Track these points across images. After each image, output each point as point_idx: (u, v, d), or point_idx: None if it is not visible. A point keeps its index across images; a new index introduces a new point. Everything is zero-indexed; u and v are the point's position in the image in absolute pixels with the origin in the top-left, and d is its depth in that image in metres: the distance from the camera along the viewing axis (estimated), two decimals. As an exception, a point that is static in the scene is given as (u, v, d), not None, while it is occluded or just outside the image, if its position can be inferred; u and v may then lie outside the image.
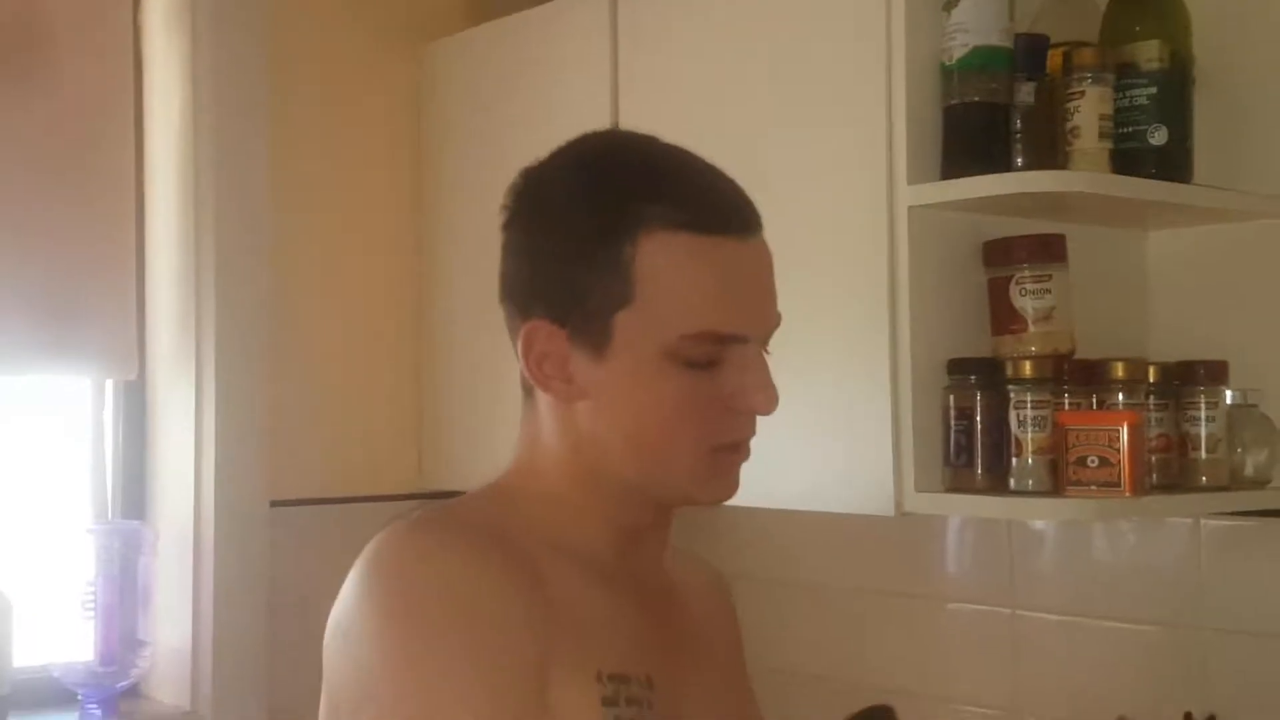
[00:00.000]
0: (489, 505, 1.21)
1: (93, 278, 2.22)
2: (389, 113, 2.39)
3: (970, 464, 1.61)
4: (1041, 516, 1.85)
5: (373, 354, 2.37)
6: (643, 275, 1.13)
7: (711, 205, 1.17)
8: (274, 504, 2.23)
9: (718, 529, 2.07)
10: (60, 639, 2.19)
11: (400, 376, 2.38)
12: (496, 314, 2.18)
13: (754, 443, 1.78)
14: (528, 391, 1.23)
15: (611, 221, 1.14)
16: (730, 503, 1.89)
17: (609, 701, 1.10)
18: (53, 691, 2.16)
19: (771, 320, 1.19)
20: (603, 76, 2.03)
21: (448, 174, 2.35)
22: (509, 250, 1.23)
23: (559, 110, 2.11)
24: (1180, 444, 1.66)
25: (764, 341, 1.18)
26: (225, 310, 2.20)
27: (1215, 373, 1.66)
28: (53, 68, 2.18)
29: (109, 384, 2.30)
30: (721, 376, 1.15)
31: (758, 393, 1.15)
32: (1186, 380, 1.66)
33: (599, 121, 2.01)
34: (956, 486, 1.62)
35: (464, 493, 1.23)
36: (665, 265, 1.14)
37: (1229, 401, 1.67)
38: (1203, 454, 1.65)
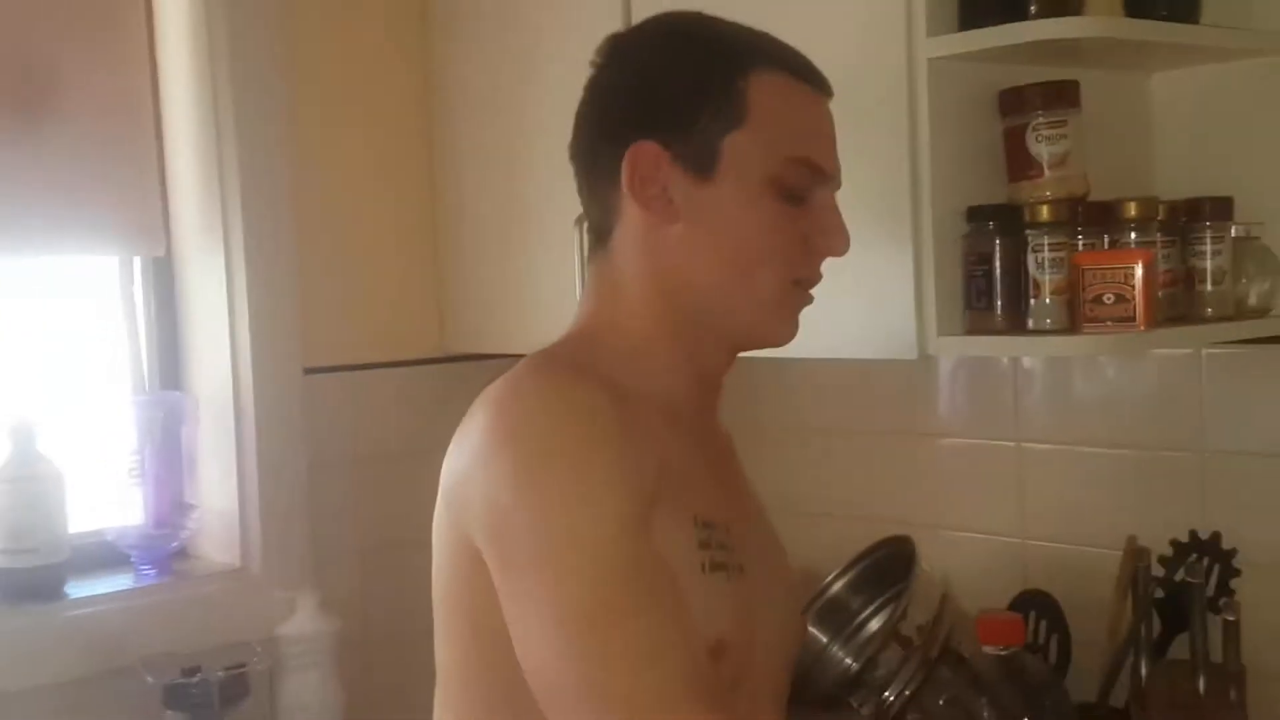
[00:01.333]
0: (591, 350, 1.23)
1: (113, 156, 2.18)
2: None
3: (990, 307, 1.61)
4: (1061, 353, 1.86)
5: (393, 225, 2.35)
6: (756, 102, 1.18)
7: (806, 62, 1.24)
8: (307, 371, 2.23)
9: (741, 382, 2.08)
10: (111, 506, 2.19)
11: (420, 246, 2.36)
12: (507, 186, 2.19)
13: None
14: (600, 239, 1.25)
15: (725, 54, 1.20)
16: (763, 354, 1.92)
17: (704, 544, 1.14)
18: (107, 555, 2.17)
19: (841, 175, 1.25)
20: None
21: (457, 56, 2.30)
22: (599, 94, 1.25)
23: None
24: (1187, 277, 1.66)
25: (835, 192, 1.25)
26: (250, 184, 2.16)
27: (1221, 209, 1.66)
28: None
29: (136, 262, 2.27)
30: (807, 215, 1.21)
31: (838, 234, 1.22)
32: (1194, 217, 1.66)
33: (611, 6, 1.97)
34: (977, 329, 1.63)
35: (487, 356, 1.24)
36: (776, 97, 1.20)
37: (1234, 235, 1.67)
38: (1209, 286, 1.66)
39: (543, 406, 1.13)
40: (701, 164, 1.18)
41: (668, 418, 1.20)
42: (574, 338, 1.26)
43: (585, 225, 1.96)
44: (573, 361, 1.21)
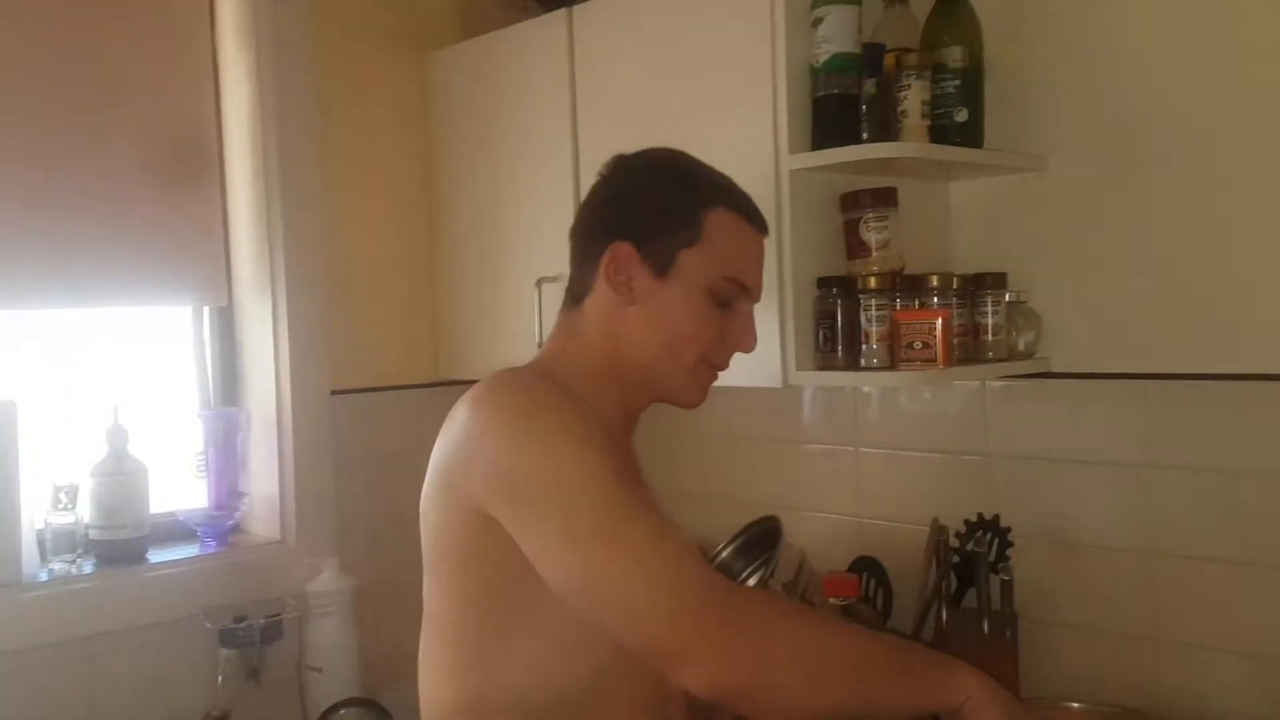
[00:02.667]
0: (549, 371, 1.24)
1: (190, 232, 2.19)
2: (404, 104, 2.35)
3: (834, 350, 1.64)
4: (883, 384, 1.91)
5: (399, 282, 2.36)
6: (709, 230, 1.23)
7: (754, 209, 1.30)
8: (334, 392, 2.23)
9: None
10: (183, 493, 2.18)
11: (420, 296, 2.37)
12: (488, 247, 2.22)
13: None
14: (575, 299, 1.27)
15: (693, 190, 1.25)
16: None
17: None
18: (179, 530, 2.16)
19: (761, 294, 1.32)
20: (562, 81, 2.01)
21: (449, 147, 2.32)
22: (602, 195, 1.29)
23: (529, 104, 2.09)
24: (975, 330, 1.70)
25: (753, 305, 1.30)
26: (291, 250, 2.17)
27: (998, 280, 1.71)
28: (141, 69, 2.12)
29: (206, 310, 2.27)
30: (729, 319, 1.26)
31: (748, 336, 1.28)
32: (979, 286, 1.70)
33: (562, 115, 2.00)
34: (824, 365, 1.66)
35: (470, 381, 1.26)
36: (726, 229, 1.25)
37: (1008, 300, 1.71)
38: (990, 337, 1.70)
39: (518, 394, 1.14)
40: (660, 267, 1.22)
41: (605, 428, 1.22)
42: (538, 363, 1.28)
43: (543, 286, 2.04)
44: (536, 372, 1.23)
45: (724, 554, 1.95)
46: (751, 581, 1.90)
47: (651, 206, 1.25)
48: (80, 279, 2.04)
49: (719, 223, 1.24)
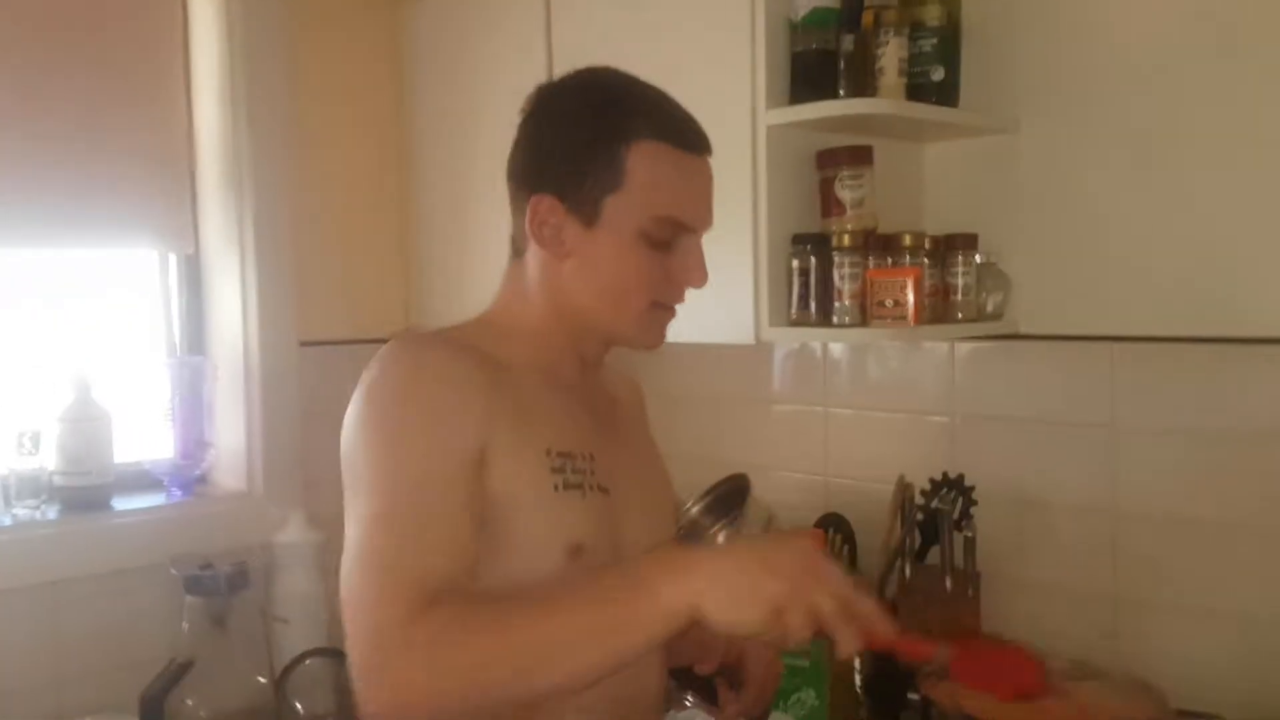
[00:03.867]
0: (476, 330, 1.20)
1: (156, 178, 2.15)
2: (376, 50, 2.32)
3: (807, 306, 1.65)
4: (855, 340, 1.91)
5: (369, 230, 2.34)
6: (633, 169, 1.13)
7: (686, 129, 1.17)
8: (302, 343, 2.21)
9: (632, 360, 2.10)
10: (149, 442, 2.16)
11: (390, 247, 2.36)
12: (461, 197, 2.21)
13: None
14: (517, 252, 1.22)
15: (612, 126, 1.14)
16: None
17: (556, 470, 1.12)
18: (144, 480, 2.14)
19: (710, 221, 1.20)
20: (538, 31, 1.99)
21: (421, 97, 2.30)
22: (523, 141, 1.20)
23: (503, 53, 2.07)
24: (945, 291, 1.71)
25: (701, 235, 1.19)
26: (260, 199, 2.14)
27: (969, 241, 1.72)
28: (107, 7, 2.08)
29: (172, 258, 2.24)
30: (672, 257, 1.16)
31: (697, 271, 1.18)
32: (950, 247, 1.71)
33: (537, 64, 1.99)
34: (798, 322, 1.67)
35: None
36: (650, 165, 1.13)
37: (978, 261, 1.73)
38: (960, 297, 1.71)
39: (386, 369, 1.09)
40: (587, 216, 1.14)
41: (548, 380, 1.18)
42: (477, 320, 1.23)
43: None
44: (436, 336, 1.17)
45: (693, 511, 1.98)
46: (721, 538, 1.93)
47: (568, 152, 1.15)
48: (41, 218, 2.00)
49: (643, 158, 1.13)
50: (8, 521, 1.89)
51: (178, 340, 2.24)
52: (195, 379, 2.18)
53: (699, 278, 1.18)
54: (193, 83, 2.20)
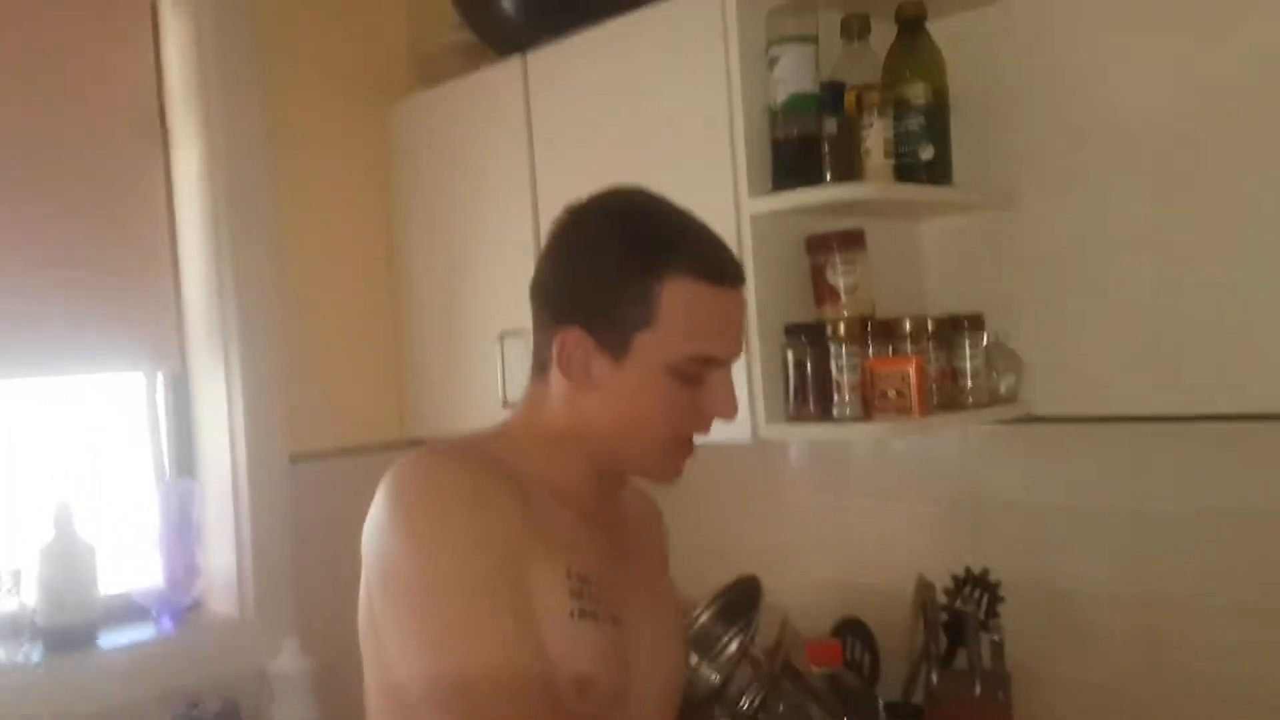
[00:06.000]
0: (493, 443, 1.15)
1: (141, 298, 2.10)
2: (362, 155, 2.28)
3: (805, 401, 1.57)
4: (858, 437, 1.82)
5: (360, 343, 2.28)
6: (664, 306, 1.09)
7: (719, 263, 1.13)
8: (292, 458, 2.13)
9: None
10: (136, 570, 2.08)
11: (383, 358, 2.29)
12: (453, 299, 2.14)
13: None
14: (539, 370, 1.17)
15: (643, 262, 1.10)
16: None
17: (574, 593, 1.08)
18: (132, 610, 2.05)
19: (740, 350, 1.16)
20: (519, 128, 1.94)
21: (408, 200, 2.25)
22: (550, 266, 1.16)
23: (487, 152, 2.02)
24: (953, 375, 1.62)
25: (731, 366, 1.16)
26: (244, 316, 2.08)
27: (975, 322, 1.63)
28: (85, 126, 2.05)
29: (159, 377, 2.17)
30: (701, 390, 1.12)
31: (727, 404, 1.14)
32: (955, 328, 1.63)
33: (520, 162, 1.94)
34: (796, 418, 1.58)
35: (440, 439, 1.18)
36: (683, 302, 1.09)
37: (986, 342, 1.64)
38: (969, 381, 1.62)
39: (418, 479, 1.05)
40: (616, 351, 1.11)
41: (563, 500, 1.14)
42: (494, 433, 1.18)
43: (505, 340, 1.95)
44: (460, 448, 1.13)
45: (703, 618, 1.86)
46: (733, 647, 1.81)
47: (599, 285, 1.11)
48: (23, 346, 1.94)
49: (675, 295, 1.09)
50: (-14, 667, 1.80)
51: (166, 462, 2.16)
52: (184, 502, 2.10)
53: (729, 410, 1.14)
54: (175, 200, 2.16)
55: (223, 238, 2.08)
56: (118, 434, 2.15)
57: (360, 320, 2.28)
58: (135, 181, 2.11)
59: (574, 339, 1.11)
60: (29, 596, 1.88)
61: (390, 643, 1.05)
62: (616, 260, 1.10)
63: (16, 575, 1.87)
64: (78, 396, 2.10)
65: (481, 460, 1.08)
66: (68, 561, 1.90)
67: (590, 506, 1.17)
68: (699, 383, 1.12)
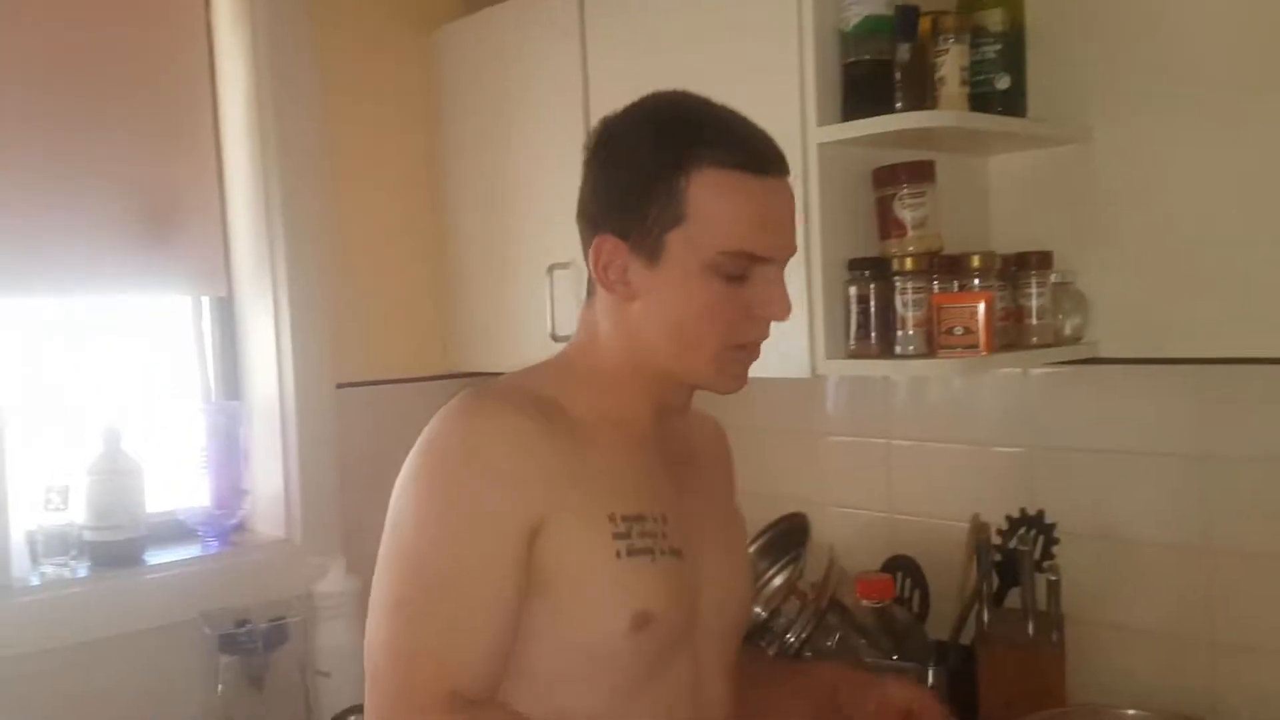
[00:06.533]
0: (549, 379, 1.12)
1: (187, 219, 2.08)
2: (408, 84, 2.23)
3: (866, 336, 1.53)
4: (922, 373, 1.77)
5: (406, 269, 2.25)
6: (694, 201, 1.03)
7: (754, 150, 1.06)
8: (339, 386, 2.12)
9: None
10: (183, 491, 2.08)
11: (427, 285, 2.26)
12: (498, 230, 2.10)
13: None
14: (590, 291, 1.14)
15: (671, 156, 1.04)
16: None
17: (620, 535, 1.04)
18: (179, 530, 2.05)
19: (791, 247, 1.09)
20: (573, 54, 1.88)
21: (455, 129, 2.20)
22: (586, 181, 1.12)
23: (538, 80, 1.97)
24: (1017, 314, 1.58)
25: (783, 263, 1.08)
26: (292, 239, 2.05)
27: (1043, 260, 1.59)
28: (135, 52, 2.01)
29: (205, 301, 2.16)
30: (748, 289, 1.06)
31: (777, 304, 1.07)
32: (1022, 266, 1.58)
33: (573, 89, 1.88)
34: (857, 353, 1.54)
35: (481, 374, 1.16)
36: (713, 196, 1.03)
37: (1053, 281, 1.59)
38: (1034, 321, 1.58)
39: (447, 430, 1.03)
40: (651, 254, 1.05)
41: (621, 434, 1.10)
42: (550, 365, 1.15)
43: (555, 273, 1.92)
44: (502, 393, 1.09)
45: (749, 552, 1.84)
46: (777, 581, 1.80)
47: (628, 188, 1.06)
48: (72, 267, 1.93)
49: (705, 188, 1.03)
50: (35, 580, 1.81)
51: (212, 385, 2.15)
52: (230, 425, 2.09)
53: (780, 310, 1.07)
54: (221, 124, 2.13)
55: (270, 164, 2.04)
56: (166, 357, 2.14)
57: (406, 251, 2.25)
58: (183, 108, 2.08)
59: (609, 246, 1.07)
60: (77, 513, 1.89)
61: (377, 571, 1.04)
62: (643, 159, 1.06)
63: (65, 491, 1.87)
64: (125, 316, 2.09)
65: (519, 408, 1.04)
66: (115, 479, 1.90)
67: (649, 437, 1.13)
68: (745, 282, 1.05)
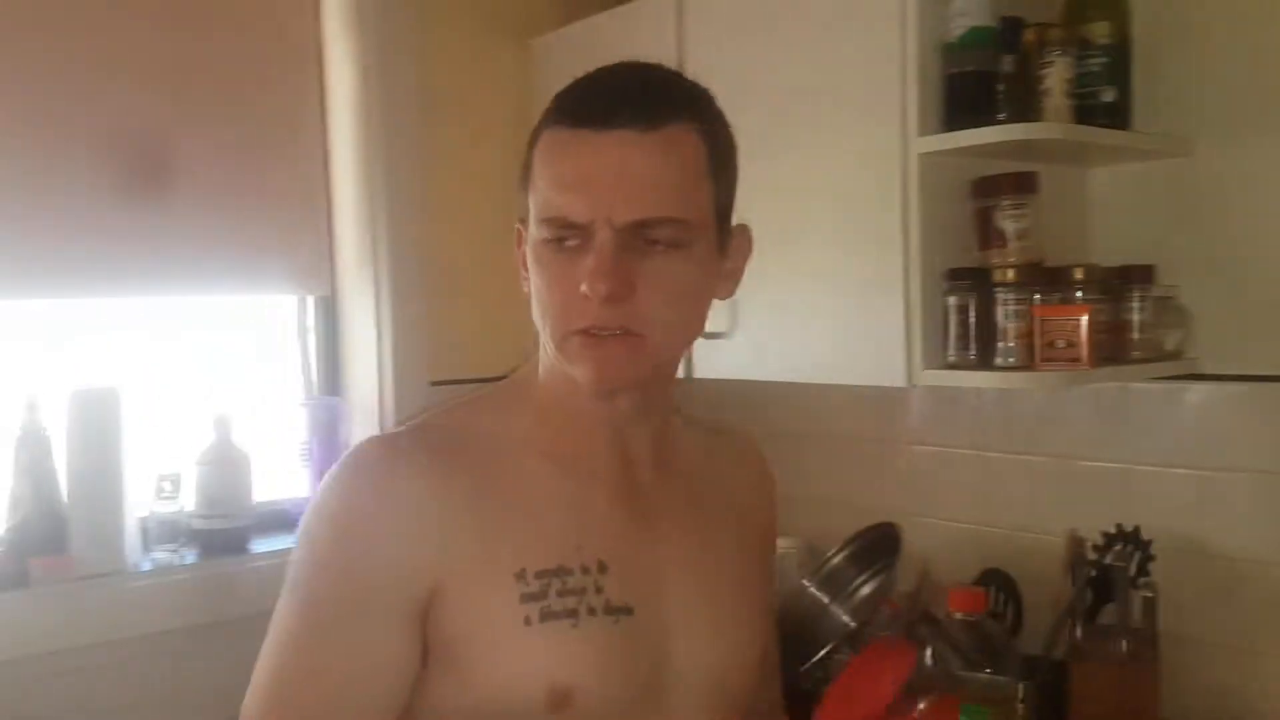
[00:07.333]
0: (492, 405, 0.97)
1: (294, 222, 2.13)
2: (507, 92, 2.26)
3: (966, 347, 1.51)
4: (1023, 386, 1.72)
5: (502, 271, 2.25)
6: (535, 165, 0.90)
7: (580, 101, 0.88)
8: (433, 383, 2.15)
9: (767, 398, 1.98)
10: (286, 483, 2.14)
11: (517, 289, 2.28)
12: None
13: (802, 333, 1.65)
14: None
15: (533, 132, 0.92)
16: (784, 378, 1.81)
17: (531, 596, 0.87)
18: (283, 520, 2.10)
19: (625, 209, 0.85)
20: (670, 63, 1.88)
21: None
22: None
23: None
24: (1119, 328, 1.55)
25: (619, 229, 0.85)
26: (393, 241, 2.10)
27: (1145, 274, 1.56)
28: (250, 62, 2.07)
29: (309, 299, 2.21)
30: (581, 261, 0.86)
31: (588, 275, 0.84)
32: (1125, 280, 1.56)
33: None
34: (956, 364, 1.53)
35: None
36: (539, 159, 0.89)
37: (1155, 295, 1.56)
38: (1136, 335, 1.55)
39: (330, 493, 0.89)
40: (526, 235, 0.92)
41: (566, 467, 0.93)
42: (503, 387, 1.00)
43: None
44: (418, 431, 0.94)
45: (836, 560, 1.85)
46: (866, 590, 1.79)
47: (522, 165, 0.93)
48: (186, 267, 2.00)
49: (540, 150, 0.89)
50: (146, 566, 1.87)
51: (314, 381, 2.21)
52: (331, 419, 2.14)
53: (588, 285, 0.84)
54: (329, 127, 2.17)
55: (374, 169, 2.09)
56: (271, 353, 2.20)
57: (501, 252, 2.26)
58: (291, 114, 2.13)
59: (517, 234, 0.94)
60: (187, 501, 1.95)
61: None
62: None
63: (176, 480, 1.93)
64: (234, 316, 2.15)
65: (412, 460, 0.88)
66: (225, 468, 1.96)
67: (606, 468, 0.94)
68: (583, 251, 0.85)
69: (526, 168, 0.91)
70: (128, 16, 1.93)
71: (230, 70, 2.03)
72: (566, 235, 0.86)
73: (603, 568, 0.90)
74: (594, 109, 0.86)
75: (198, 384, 2.07)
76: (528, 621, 0.86)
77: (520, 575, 0.87)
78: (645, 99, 0.87)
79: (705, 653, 0.95)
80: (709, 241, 0.90)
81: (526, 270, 0.92)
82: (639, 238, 0.85)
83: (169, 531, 1.92)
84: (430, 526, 0.87)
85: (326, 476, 0.90)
